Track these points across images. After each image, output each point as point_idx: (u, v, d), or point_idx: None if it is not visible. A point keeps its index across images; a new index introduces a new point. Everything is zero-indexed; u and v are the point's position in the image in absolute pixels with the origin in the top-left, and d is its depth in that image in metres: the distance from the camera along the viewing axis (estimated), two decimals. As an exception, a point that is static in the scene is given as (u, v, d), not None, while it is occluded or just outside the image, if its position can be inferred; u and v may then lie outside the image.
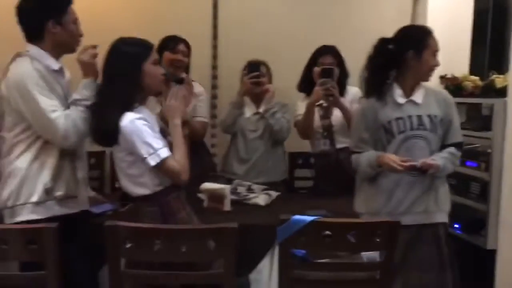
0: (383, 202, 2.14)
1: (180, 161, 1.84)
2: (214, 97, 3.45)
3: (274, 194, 2.72)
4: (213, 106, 3.45)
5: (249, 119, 2.95)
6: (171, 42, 2.78)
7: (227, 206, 2.49)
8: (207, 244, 1.60)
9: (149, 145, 1.78)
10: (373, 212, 2.16)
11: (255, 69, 2.74)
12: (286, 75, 3.10)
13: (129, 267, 1.67)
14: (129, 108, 1.81)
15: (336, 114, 2.78)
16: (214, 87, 3.44)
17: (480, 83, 3.26)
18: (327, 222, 1.72)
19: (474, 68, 3.58)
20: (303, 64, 3.39)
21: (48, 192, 1.91)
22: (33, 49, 1.94)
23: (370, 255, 1.83)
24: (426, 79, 2.20)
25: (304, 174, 3.32)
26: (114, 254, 1.61)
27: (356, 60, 2.84)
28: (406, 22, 3.55)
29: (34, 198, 1.89)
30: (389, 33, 3.52)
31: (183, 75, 2.86)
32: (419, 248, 2.12)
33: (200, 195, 2.57)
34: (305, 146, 3.20)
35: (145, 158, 1.78)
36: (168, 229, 1.66)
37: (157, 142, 1.80)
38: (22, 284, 1.66)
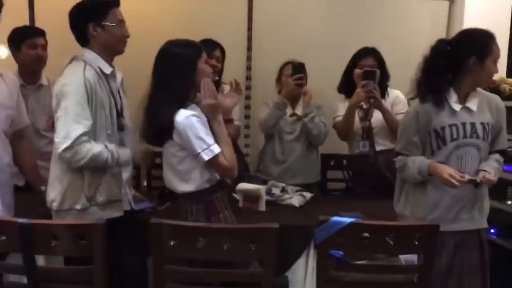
0: (430, 209, 2.09)
1: (229, 157, 1.89)
2: (247, 97, 3.50)
3: (308, 195, 2.74)
4: (247, 107, 3.50)
5: (286, 121, 2.97)
6: (207, 47, 2.75)
7: (262, 207, 2.52)
8: (248, 243, 1.63)
9: (203, 140, 1.84)
10: (419, 217, 2.10)
11: (300, 71, 2.75)
12: (317, 78, 3.11)
13: (170, 263, 1.72)
14: (183, 106, 1.88)
15: (376, 116, 2.78)
16: (247, 88, 3.49)
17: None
18: (366, 224, 1.73)
19: (511, 70, 3.53)
20: (334, 67, 3.41)
21: (89, 199, 1.97)
22: (87, 53, 2.01)
23: (408, 258, 1.83)
24: (483, 85, 2.15)
25: (336, 176, 3.33)
26: (158, 250, 1.66)
27: (390, 64, 2.89)
28: (443, 25, 3.54)
29: (78, 206, 1.95)
30: (425, 37, 3.55)
31: (215, 78, 2.94)
32: (466, 253, 2.10)
33: (235, 195, 2.61)
34: (336, 147, 3.22)
35: (199, 153, 1.84)
36: (211, 227, 1.71)
37: (210, 138, 1.86)
38: (70, 277, 1.72)
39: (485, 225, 2.16)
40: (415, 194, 2.17)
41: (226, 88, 2.99)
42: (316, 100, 3.08)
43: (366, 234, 1.72)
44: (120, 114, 2.06)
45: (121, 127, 2.07)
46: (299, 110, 2.98)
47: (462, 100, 2.09)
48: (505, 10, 3.36)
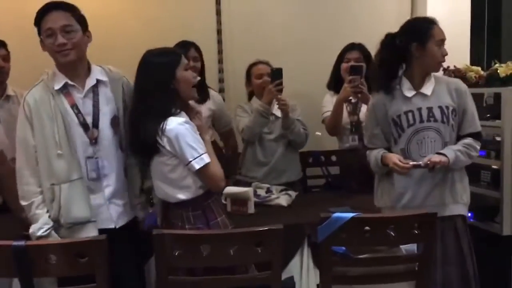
0: (397, 197, 2.18)
1: (218, 168, 1.88)
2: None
3: (293, 194, 2.75)
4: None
5: None
6: (181, 49, 2.74)
7: (251, 209, 2.50)
8: (254, 246, 1.62)
9: (194, 149, 1.81)
10: (390, 206, 2.19)
11: (279, 76, 2.72)
12: (290, 76, 3.13)
13: (173, 273, 1.68)
14: (170, 115, 1.83)
15: (364, 110, 2.79)
16: (221, 90, 3.47)
17: (482, 73, 3.34)
18: (367, 218, 1.75)
19: (474, 58, 3.66)
20: (306, 64, 3.46)
21: (56, 221, 1.88)
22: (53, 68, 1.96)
23: (408, 247, 1.86)
24: (435, 70, 2.21)
25: (314, 173, 3.36)
26: (162, 262, 1.61)
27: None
28: (406, 17, 3.61)
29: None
30: (390, 28, 3.61)
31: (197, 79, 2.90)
32: (439, 242, 2.13)
33: (222, 199, 2.58)
34: (310, 145, 3.24)
35: (190, 161, 1.81)
36: (215, 234, 1.69)
37: (201, 147, 1.83)
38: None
39: (460, 212, 2.19)
40: (384, 184, 2.25)
41: (213, 93, 2.99)
42: (291, 97, 3.11)
43: (367, 228, 1.74)
44: (88, 128, 1.93)
45: (93, 141, 1.94)
46: (275, 110, 2.98)
47: (417, 87, 2.18)
48: (465, 1, 3.48)
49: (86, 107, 1.94)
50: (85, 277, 1.60)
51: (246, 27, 3.48)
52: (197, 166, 1.81)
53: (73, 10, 1.92)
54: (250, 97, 3.06)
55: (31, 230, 1.84)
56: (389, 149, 2.21)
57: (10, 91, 2.72)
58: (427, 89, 2.17)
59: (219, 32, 3.46)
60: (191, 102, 2.01)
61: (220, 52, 3.46)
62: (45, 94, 1.89)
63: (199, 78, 2.83)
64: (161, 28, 3.28)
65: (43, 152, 1.87)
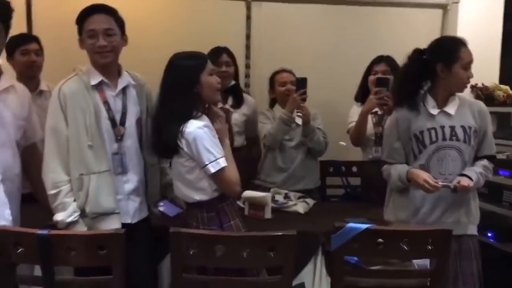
0: (411, 214, 2.19)
1: (234, 174, 1.91)
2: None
3: (311, 202, 2.77)
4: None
5: None
6: (213, 55, 2.80)
7: (268, 214, 2.54)
8: (267, 250, 1.65)
9: (211, 152, 1.85)
10: (403, 221, 2.19)
11: (303, 85, 2.75)
12: (316, 85, 3.14)
13: (186, 271, 1.72)
14: (191, 117, 1.88)
15: None
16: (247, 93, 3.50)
17: (511, 92, 3.31)
18: (380, 230, 1.76)
19: (503, 77, 3.62)
20: (332, 75, 3.48)
21: (82, 210, 1.96)
22: (87, 64, 2.06)
23: (420, 262, 1.87)
24: (458, 90, 2.21)
25: (333, 182, 3.38)
26: (177, 259, 1.66)
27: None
28: (436, 33, 3.61)
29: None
30: (420, 43, 3.60)
31: (231, 83, 2.95)
32: (461, 260, 2.15)
33: (240, 203, 2.62)
34: (333, 155, 3.28)
35: (206, 165, 1.85)
36: (230, 235, 1.72)
37: (218, 151, 1.87)
38: (86, 288, 1.71)
39: (473, 232, 2.20)
40: (399, 199, 2.25)
41: (249, 99, 3.05)
42: (316, 107, 3.14)
43: (380, 240, 1.75)
44: (116, 124, 2.03)
45: (119, 138, 2.03)
46: (296, 118, 3.00)
47: (441, 105, 2.18)
48: (497, 17, 3.46)
49: (116, 105, 2.05)
50: (102, 269, 1.66)
51: (275, 34, 3.52)
52: (212, 170, 1.85)
53: (114, 14, 2.03)
54: (272, 104, 3.10)
55: (59, 218, 1.90)
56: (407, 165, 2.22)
57: (43, 86, 2.79)
58: (451, 108, 2.17)
59: (248, 37, 3.51)
60: (213, 106, 2.05)
61: (247, 57, 3.51)
62: (80, 87, 1.98)
63: (234, 82, 2.93)
64: (191, 31, 3.35)
65: (75, 142, 1.95)
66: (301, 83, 2.76)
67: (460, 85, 2.17)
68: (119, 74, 2.08)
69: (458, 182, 2.04)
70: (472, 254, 2.18)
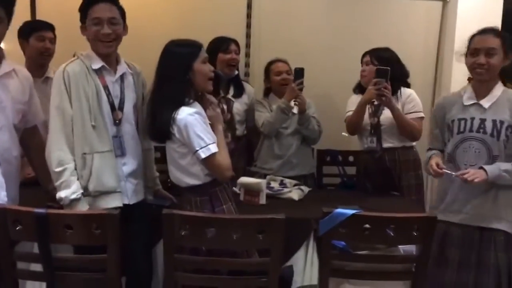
0: (439, 199, 2.33)
1: (225, 159, 1.96)
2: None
3: (306, 189, 2.82)
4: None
5: None
6: (223, 44, 2.91)
7: (262, 200, 2.59)
8: (256, 233, 1.71)
9: (202, 138, 1.90)
10: (433, 207, 2.37)
11: (300, 75, 2.80)
12: (315, 76, 3.20)
13: (179, 252, 1.78)
14: (183, 104, 1.93)
15: (386, 113, 2.82)
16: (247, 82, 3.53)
17: (510, 86, 3.32)
18: (367, 216, 1.81)
19: (502, 69, 3.62)
20: (331, 65, 3.51)
21: (84, 188, 2.02)
22: (87, 50, 2.15)
23: (406, 248, 1.92)
24: (473, 76, 2.26)
25: (330, 171, 3.43)
26: (169, 240, 1.72)
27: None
28: (436, 25, 3.63)
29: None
30: (419, 36, 3.64)
31: (235, 72, 3.01)
32: (473, 250, 2.21)
33: (235, 189, 2.68)
34: (330, 143, 3.35)
35: (197, 150, 1.91)
36: (221, 218, 1.78)
37: (208, 137, 1.92)
38: (83, 266, 1.78)
39: (502, 227, 2.19)
40: (437, 186, 2.42)
41: (249, 88, 3.12)
42: (317, 97, 3.19)
43: (367, 225, 1.81)
44: (114, 108, 2.10)
45: (117, 122, 2.10)
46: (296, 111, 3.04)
47: (479, 97, 2.24)
48: (497, 10, 3.45)
49: (115, 91, 2.12)
50: (100, 248, 1.73)
51: (275, 23, 3.54)
52: (203, 155, 1.90)
53: (117, 4, 2.10)
54: (266, 93, 3.15)
55: (63, 195, 1.95)
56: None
57: (51, 73, 2.81)
58: (487, 102, 2.21)
59: (248, 25, 3.53)
60: (207, 94, 2.10)
61: (248, 46, 3.54)
62: (82, 70, 2.04)
63: (236, 72, 2.96)
64: (192, 20, 3.38)
65: (79, 122, 2.01)
66: (299, 73, 2.81)
67: (470, 71, 2.24)
68: (117, 61, 2.15)
69: (463, 174, 2.09)
70: (492, 246, 2.19)
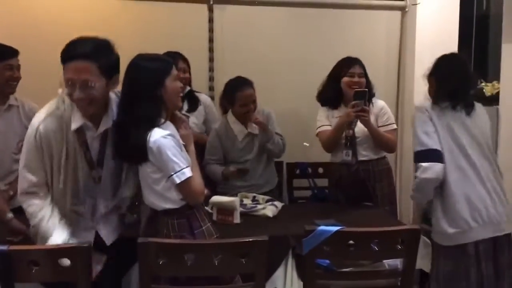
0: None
1: (199, 183, 1.88)
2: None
3: (279, 205, 2.75)
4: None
5: (241, 144, 2.97)
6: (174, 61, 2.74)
7: (236, 219, 2.50)
8: (239, 257, 1.62)
9: (176, 163, 1.80)
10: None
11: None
12: (278, 87, 3.18)
13: (156, 282, 1.68)
14: (156, 124, 1.82)
15: (360, 125, 2.78)
16: (211, 97, 3.43)
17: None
18: (351, 232, 1.77)
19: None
20: (295, 79, 3.49)
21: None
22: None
23: (391, 262, 1.88)
24: None
25: (299, 184, 3.39)
26: (146, 270, 1.61)
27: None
28: (396, 34, 3.69)
29: None
30: (380, 45, 3.69)
31: (186, 89, 2.91)
32: (489, 259, 2.18)
33: (207, 208, 2.58)
34: (297, 156, 3.30)
35: (171, 175, 1.80)
36: (200, 243, 1.69)
37: (183, 161, 1.82)
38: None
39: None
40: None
41: (201, 96, 3.03)
42: (280, 109, 3.15)
43: (351, 242, 1.76)
44: (93, 167, 1.91)
45: (96, 180, 1.93)
46: (252, 128, 2.96)
47: None
48: (454, 19, 3.53)
49: (95, 147, 1.90)
50: (68, 284, 1.59)
51: (238, 36, 3.48)
52: (177, 180, 1.80)
53: (98, 58, 1.76)
54: (225, 111, 3.02)
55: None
56: None
57: (12, 100, 2.64)
58: None
59: (210, 40, 3.45)
60: (177, 112, 2.01)
61: (211, 60, 3.47)
62: (58, 127, 1.82)
63: (188, 88, 2.90)
64: (152, 34, 3.28)
65: (49, 181, 1.84)
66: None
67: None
68: (105, 110, 1.89)
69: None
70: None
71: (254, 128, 2.93)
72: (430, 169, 2.13)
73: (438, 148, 2.17)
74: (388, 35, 3.69)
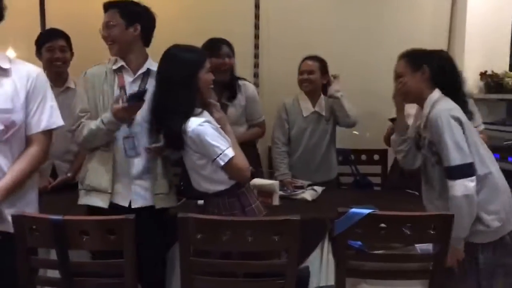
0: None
1: (242, 160, 1.97)
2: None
3: (319, 189, 2.82)
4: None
5: (306, 120, 3.07)
6: (214, 47, 2.77)
7: (275, 201, 2.59)
8: (272, 235, 1.70)
9: (217, 146, 1.90)
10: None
11: None
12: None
13: (195, 255, 1.78)
14: (191, 113, 1.93)
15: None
16: (256, 85, 3.50)
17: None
18: (383, 215, 1.80)
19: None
20: (343, 65, 3.48)
21: (81, 182, 2.20)
22: None
23: (423, 247, 1.90)
24: None
25: (343, 170, 3.41)
26: (185, 244, 1.72)
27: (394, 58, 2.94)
28: (445, 21, 3.60)
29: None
30: (428, 31, 3.61)
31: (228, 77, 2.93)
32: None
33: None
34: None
35: (214, 159, 1.91)
36: (236, 220, 1.78)
37: (223, 144, 1.92)
38: (100, 271, 1.78)
39: None
40: None
41: (247, 86, 3.02)
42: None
43: (383, 225, 1.79)
44: None
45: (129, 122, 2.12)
46: (320, 107, 3.05)
47: None
48: (507, 4, 3.42)
49: (131, 90, 2.14)
50: (116, 252, 1.73)
51: (284, 23, 3.54)
52: (222, 163, 1.91)
53: (119, 7, 2.15)
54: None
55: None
56: None
57: (71, 83, 2.81)
58: None
59: (256, 26, 3.54)
60: (209, 98, 2.09)
61: (256, 47, 3.54)
62: (101, 72, 2.19)
63: (227, 76, 2.90)
64: (199, 21, 3.39)
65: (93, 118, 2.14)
66: None
67: None
68: (144, 60, 2.20)
69: None
70: None
71: (322, 109, 3.00)
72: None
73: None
74: (436, 23, 3.61)
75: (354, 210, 1.78)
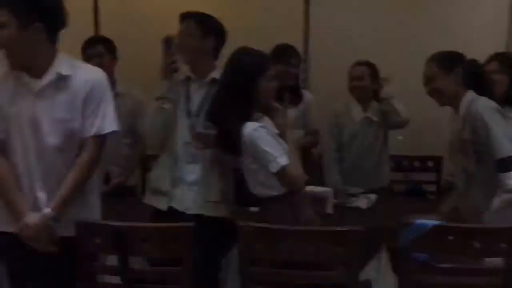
0: None
1: (297, 170, 1.91)
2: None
3: (373, 197, 2.73)
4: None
5: (358, 125, 3.01)
6: (284, 53, 2.84)
7: (329, 209, 2.53)
8: (333, 245, 1.65)
9: (270, 153, 1.87)
10: None
11: None
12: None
13: (254, 265, 1.75)
14: (249, 118, 1.91)
15: None
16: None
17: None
18: (452, 227, 1.72)
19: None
20: (400, 68, 3.37)
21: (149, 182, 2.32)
22: None
23: (492, 260, 1.80)
24: None
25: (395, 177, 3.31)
26: (245, 253, 1.69)
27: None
28: (505, 20, 3.45)
29: None
30: (487, 33, 3.46)
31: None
32: None
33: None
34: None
35: (266, 165, 1.87)
36: (297, 230, 1.73)
37: (277, 150, 1.88)
38: (157, 278, 1.78)
39: None
40: None
41: (306, 94, 3.05)
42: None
43: (450, 237, 1.71)
44: (190, 115, 2.20)
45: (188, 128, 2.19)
46: (371, 113, 2.98)
47: None
48: None
49: (196, 98, 2.19)
50: (170, 260, 1.72)
51: (333, 28, 3.47)
52: (273, 170, 1.86)
53: (196, 18, 2.21)
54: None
55: None
56: None
57: (119, 88, 2.82)
58: None
59: (305, 31, 3.49)
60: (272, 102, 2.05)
61: (305, 51, 3.49)
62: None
63: (291, 81, 2.90)
64: (248, 24, 3.32)
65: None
66: None
67: None
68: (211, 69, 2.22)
69: None
70: None
71: (373, 114, 2.94)
72: None
73: None
74: (495, 22, 3.46)
75: (420, 221, 1.71)
